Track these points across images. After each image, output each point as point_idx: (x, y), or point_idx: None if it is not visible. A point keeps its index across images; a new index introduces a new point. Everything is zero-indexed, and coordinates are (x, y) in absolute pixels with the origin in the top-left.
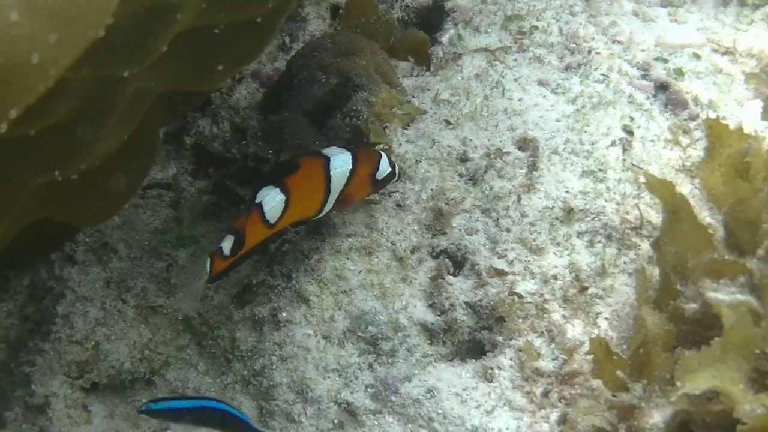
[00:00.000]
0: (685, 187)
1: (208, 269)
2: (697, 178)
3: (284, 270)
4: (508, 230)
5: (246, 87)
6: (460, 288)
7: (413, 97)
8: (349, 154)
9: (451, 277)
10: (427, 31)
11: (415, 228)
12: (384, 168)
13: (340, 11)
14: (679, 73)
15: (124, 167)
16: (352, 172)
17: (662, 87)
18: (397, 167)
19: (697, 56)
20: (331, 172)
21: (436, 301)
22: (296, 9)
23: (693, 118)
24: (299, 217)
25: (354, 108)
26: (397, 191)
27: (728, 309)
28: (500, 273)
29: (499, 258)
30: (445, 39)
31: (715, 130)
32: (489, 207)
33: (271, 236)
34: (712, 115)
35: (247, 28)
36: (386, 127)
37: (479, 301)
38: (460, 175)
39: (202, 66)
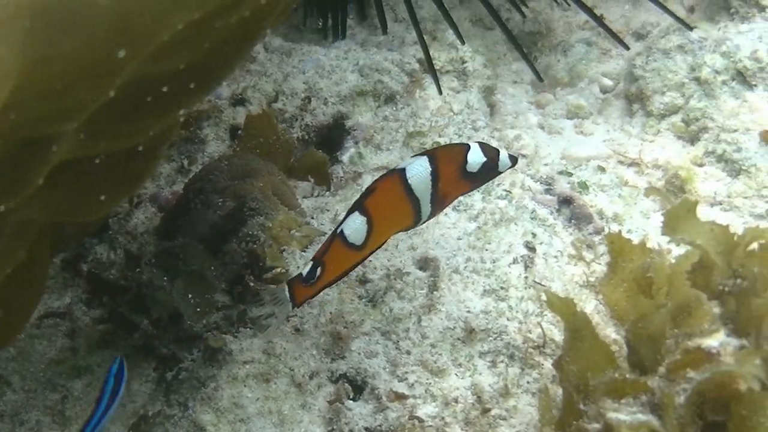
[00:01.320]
0: (590, 303)
1: (288, 296)
2: (600, 294)
3: (181, 399)
4: (409, 352)
5: (144, 211)
6: (359, 413)
7: (312, 218)
8: (425, 157)
9: (350, 401)
10: (328, 149)
11: (314, 353)
12: (475, 159)
13: (239, 132)
14: (584, 186)
15: (12, 300)
16: (434, 173)
17: (566, 201)
18: (503, 153)
19: (602, 169)
20: (409, 181)
21: (335, 427)
22: (194, 130)
23: (598, 232)
24: (395, 229)
25: (250, 233)
26: (295, 315)
27: (628, 430)
28: (400, 397)
29: (399, 381)
30: (345, 158)
31: (617, 245)
32: (389, 329)
33: (372, 251)
34: (617, 229)
35: (128, 157)
36: (284, 250)
37: (379, 426)
38: (360, 297)
39: (84, 196)
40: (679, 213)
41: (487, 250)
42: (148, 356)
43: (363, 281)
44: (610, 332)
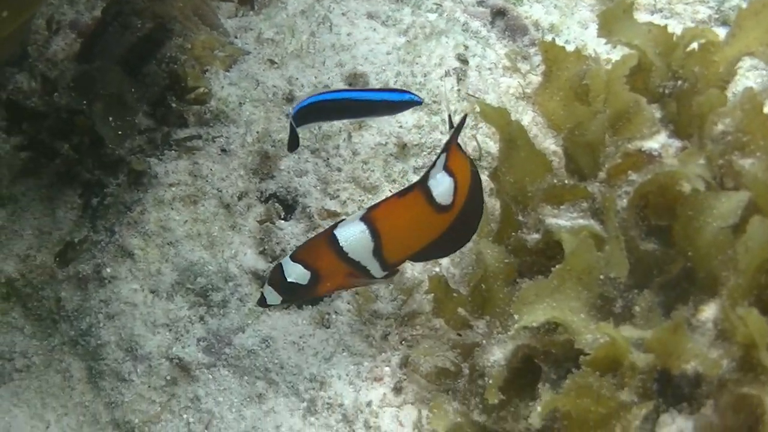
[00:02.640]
0: (527, 115)
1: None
2: (535, 104)
3: (107, 224)
4: (340, 170)
5: (63, 38)
6: (291, 232)
7: (236, 37)
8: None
9: (281, 221)
10: None
11: (242, 173)
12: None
13: None
14: None
15: None
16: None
17: (500, 13)
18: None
19: None
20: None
21: (267, 247)
22: None
23: (533, 43)
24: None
25: (170, 54)
26: (221, 136)
27: (568, 234)
28: (332, 214)
29: (331, 199)
30: None
31: (551, 54)
32: (318, 147)
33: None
34: (551, 39)
35: None
36: (207, 71)
37: None
38: (287, 116)
39: None
40: (615, 14)
41: (417, 63)
42: (72, 182)
43: (290, 99)
44: (549, 144)
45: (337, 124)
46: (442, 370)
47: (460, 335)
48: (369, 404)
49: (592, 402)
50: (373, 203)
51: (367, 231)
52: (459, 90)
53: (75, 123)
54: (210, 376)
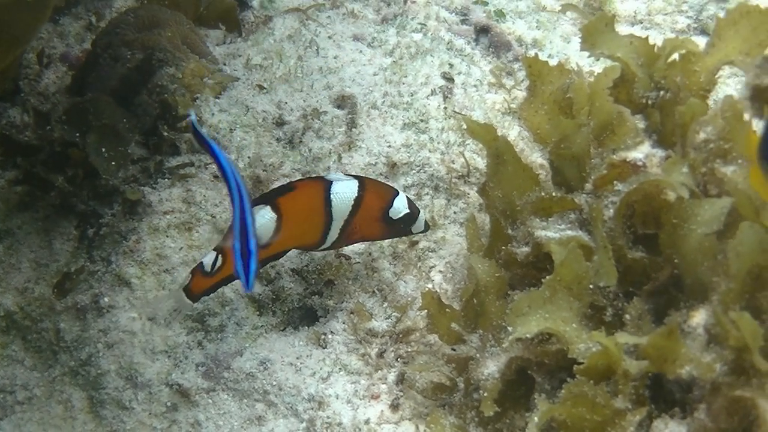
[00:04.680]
0: (513, 130)
1: (187, 282)
2: (521, 118)
3: (103, 254)
4: None
5: (54, 71)
6: (287, 255)
7: (224, 64)
8: (356, 180)
9: None
10: None
11: None
12: (399, 206)
13: None
14: (500, 14)
15: None
16: (357, 201)
17: (483, 30)
18: (421, 214)
19: None
20: (331, 196)
21: (261, 270)
22: None
23: (517, 59)
24: (297, 242)
25: (160, 83)
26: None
27: (557, 245)
28: None
29: None
30: (255, 2)
31: (535, 68)
32: (309, 169)
33: (269, 257)
34: (531, 53)
35: (18, 8)
36: (197, 98)
37: (306, 266)
38: (278, 140)
39: None
40: (597, 27)
41: (404, 83)
42: (67, 214)
43: (280, 123)
44: (536, 157)
45: (327, 145)
46: (438, 385)
47: (454, 350)
48: (367, 422)
49: (588, 410)
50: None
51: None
52: (446, 108)
53: (69, 155)
54: (210, 401)
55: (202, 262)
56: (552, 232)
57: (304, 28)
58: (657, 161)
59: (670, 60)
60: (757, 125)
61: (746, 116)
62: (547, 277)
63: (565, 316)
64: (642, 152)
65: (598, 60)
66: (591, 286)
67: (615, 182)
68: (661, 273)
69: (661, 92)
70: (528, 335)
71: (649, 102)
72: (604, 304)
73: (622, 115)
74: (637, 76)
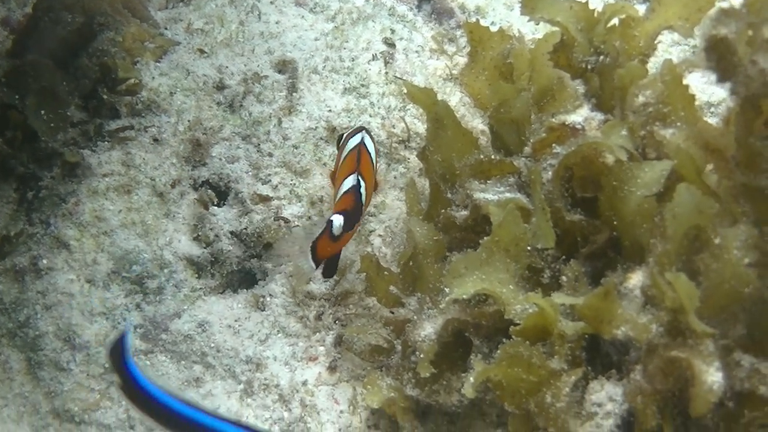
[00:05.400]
0: (455, 96)
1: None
2: (462, 85)
3: (42, 216)
4: (271, 155)
5: None
6: (224, 218)
7: (166, 29)
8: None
9: (215, 207)
10: None
11: (174, 161)
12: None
13: None
14: None
15: None
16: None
17: None
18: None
19: None
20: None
21: (200, 233)
22: None
23: (460, 26)
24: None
25: (100, 47)
26: (153, 125)
27: (496, 207)
28: (265, 199)
29: (263, 184)
30: None
31: (476, 34)
32: (249, 133)
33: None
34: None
35: None
36: (137, 62)
37: (245, 229)
38: (218, 104)
39: None
40: None
41: (345, 48)
42: (7, 177)
43: (220, 87)
44: (477, 123)
45: (267, 109)
46: (376, 348)
47: (392, 312)
48: (305, 383)
49: (524, 371)
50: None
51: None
52: (386, 73)
53: (8, 117)
54: (148, 362)
55: (331, 222)
56: (491, 195)
57: None
58: (596, 125)
59: (609, 25)
60: (711, 78)
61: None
62: (485, 238)
63: (502, 277)
64: (581, 116)
65: (538, 24)
66: (529, 248)
67: (554, 145)
68: (600, 236)
69: (601, 57)
70: (464, 296)
71: (589, 67)
72: (542, 266)
73: (562, 80)
74: (577, 40)
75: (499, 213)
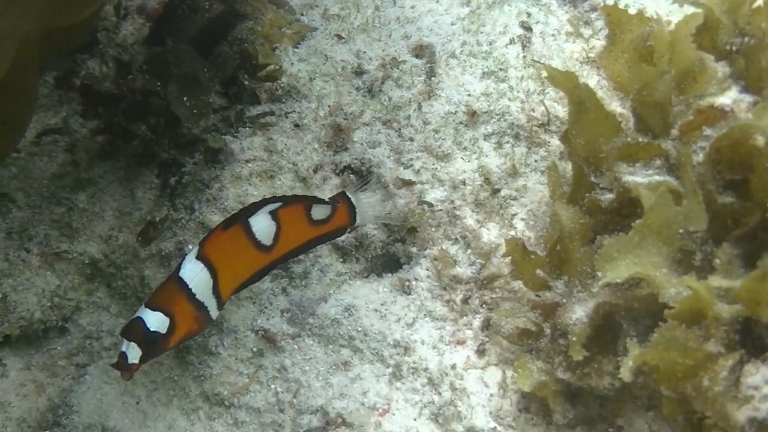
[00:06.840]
0: (592, 79)
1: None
2: (601, 68)
3: (186, 202)
4: (412, 139)
5: (132, 23)
6: (367, 202)
7: (302, 15)
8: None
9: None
10: None
11: (316, 146)
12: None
13: None
14: None
15: (4, 114)
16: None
17: None
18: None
19: None
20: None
21: None
22: None
23: (594, 9)
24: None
25: (239, 36)
26: (294, 111)
27: (647, 190)
28: (407, 183)
29: (405, 168)
30: None
31: (614, 17)
32: (390, 118)
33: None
34: (610, 2)
35: None
36: (276, 48)
37: (389, 213)
38: (357, 89)
39: None
40: None
41: (482, 32)
42: (149, 163)
43: (358, 72)
44: (615, 106)
45: (407, 94)
46: (524, 331)
47: (539, 296)
48: (453, 367)
49: (680, 354)
50: (202, 237)
51: (206, 269)
52: (524, 57)
53: (150, 104)
54: (296, 346)
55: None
56: (639, 178)
57: None
58: (745, 107)
59: (754, 6)
60: None
61: None
62: (637, 221)
63: (654, 261)
64: (729, 98)
65: (681, 6)
66: (680, 231)
67: (703, 128)
68: (751, 218)
69: (746, 38)
70: (618, 280)
71: (734, 48)
72: (693, 249)
73: (703, 62)
74: (722, 22)
75: (651, 196)
